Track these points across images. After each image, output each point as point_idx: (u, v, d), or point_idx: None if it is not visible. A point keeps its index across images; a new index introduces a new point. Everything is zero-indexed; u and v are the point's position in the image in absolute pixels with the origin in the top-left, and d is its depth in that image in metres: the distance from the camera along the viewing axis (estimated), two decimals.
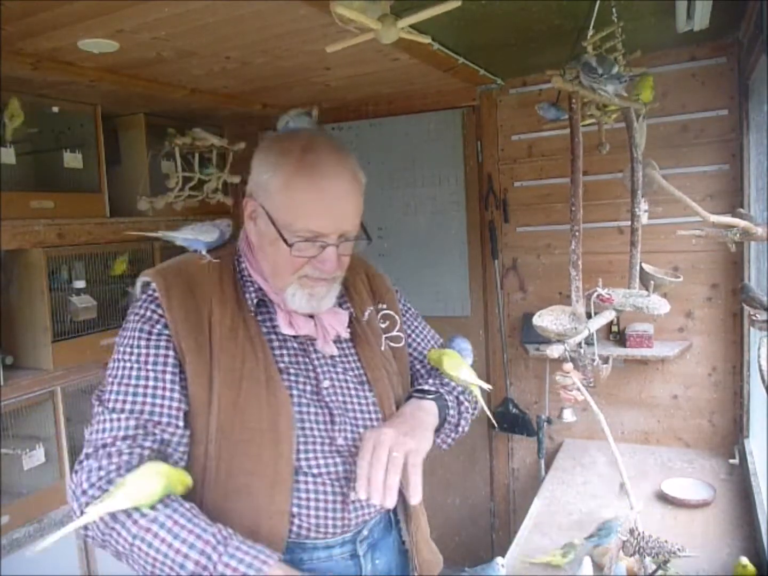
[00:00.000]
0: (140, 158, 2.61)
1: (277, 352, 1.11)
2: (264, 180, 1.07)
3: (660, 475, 2.13)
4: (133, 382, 1.03)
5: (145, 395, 1.03)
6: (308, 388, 1.10)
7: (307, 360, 1.13)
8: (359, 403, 1.14)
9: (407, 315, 1.36)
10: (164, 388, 1.03)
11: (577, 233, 1.40)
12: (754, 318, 1.27)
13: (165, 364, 1.04)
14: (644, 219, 1.65)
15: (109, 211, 2.42)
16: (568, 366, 1.35)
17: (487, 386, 1.27)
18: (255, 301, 1.12)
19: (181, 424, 1.03)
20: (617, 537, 1.35)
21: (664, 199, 1.71)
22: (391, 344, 1.26)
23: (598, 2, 1.46)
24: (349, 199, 1.08)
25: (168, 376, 1.04)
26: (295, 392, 1.08)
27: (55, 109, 2.26)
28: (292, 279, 1.09)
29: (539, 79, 2.47)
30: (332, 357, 1.15)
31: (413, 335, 1.35)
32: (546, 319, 1.38)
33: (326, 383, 1.12)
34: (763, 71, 1.73)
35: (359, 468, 1.02)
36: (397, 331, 1.28)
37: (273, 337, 1.12)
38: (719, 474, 2.16)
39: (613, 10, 1.50)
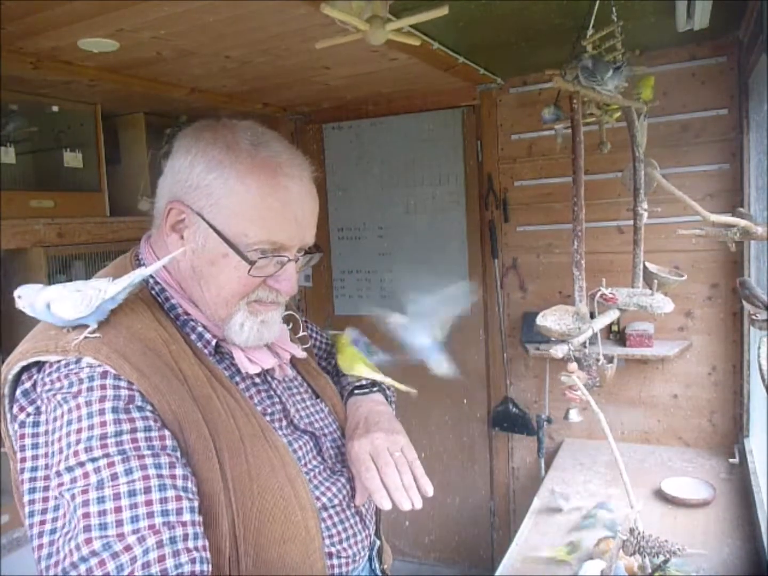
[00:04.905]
0: (140, 158, 2.61)
1: (247, 394, 0.94)
2: (206, 181, 0.88)
3: (660, 474, 2.13)
4: (136, 494, 0.74)
5: (164, 502, 0.75)
6: (285, 422, 0.98)
7: (271, 393, 0.99)
8: (320, 418, 1.05)
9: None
10: (178, 480, 0.78)
11: (579, 233, 1.40)
12: (754, 317, 1.26)
13: (163, 448, 0.78)
14: (644, 218, 1.65)
15: (109, 211, 2.41)
16: (573, 366, 1.34)
17: (388, 381, 1.18)
18: (213, 343, 0.93)
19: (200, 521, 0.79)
20: (618, 537, 1.35)
21: (664, 199, 1.71)
22: (303, 346, 1.13)
23: (597, 2, 1.46)
24: (312, 203, 0.94)
25: (179, 469, 0.79)
26: (280, 433, 0.95)
27: (55, 108, 2.25)
28: (240, 306, 0.91)
29: (539, 79, 2.47)
30: (285, 379, 1.03)
31: (311, 332, 1.24)
32: (550, 320, 1.37)
33: (293, 410, 1.00)
34: (763, 70, 1.73)
35: (369, 480, 0.95)
36: (302, 331, 1.16)
37: (237, 379, 0.95)
38: (719, 473, 2.16)
39: (613, 9, 1.49)
